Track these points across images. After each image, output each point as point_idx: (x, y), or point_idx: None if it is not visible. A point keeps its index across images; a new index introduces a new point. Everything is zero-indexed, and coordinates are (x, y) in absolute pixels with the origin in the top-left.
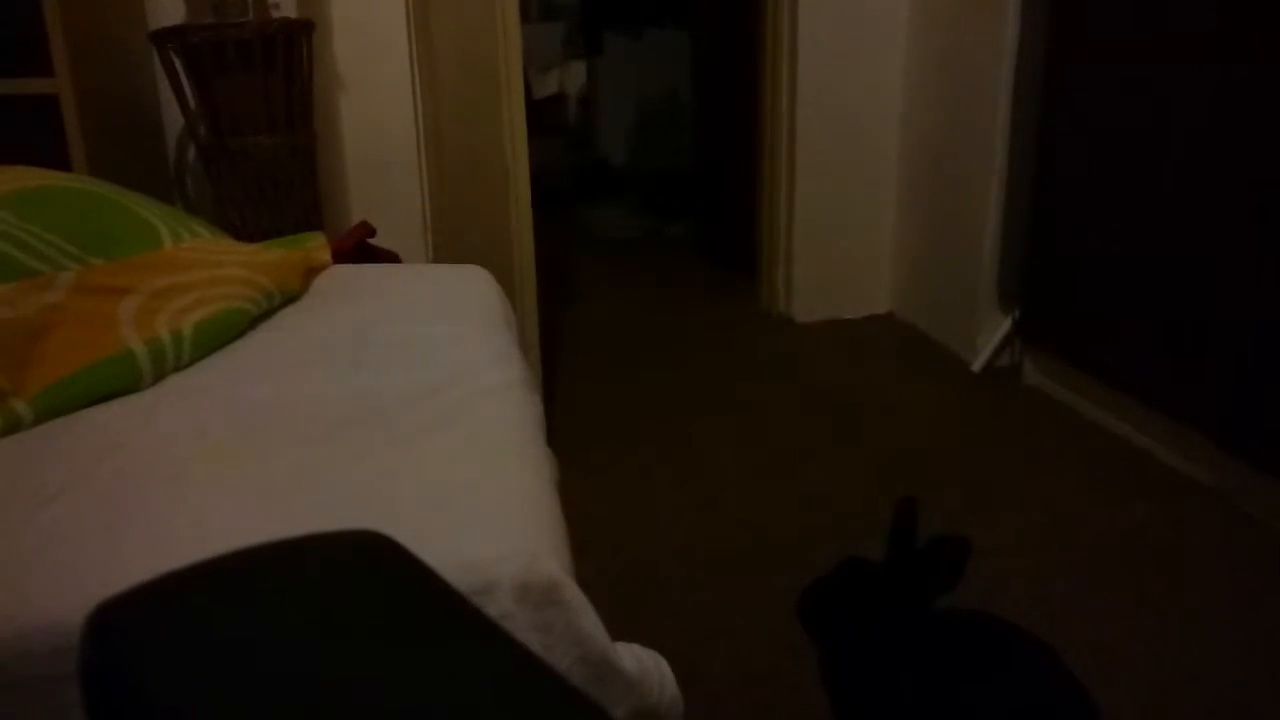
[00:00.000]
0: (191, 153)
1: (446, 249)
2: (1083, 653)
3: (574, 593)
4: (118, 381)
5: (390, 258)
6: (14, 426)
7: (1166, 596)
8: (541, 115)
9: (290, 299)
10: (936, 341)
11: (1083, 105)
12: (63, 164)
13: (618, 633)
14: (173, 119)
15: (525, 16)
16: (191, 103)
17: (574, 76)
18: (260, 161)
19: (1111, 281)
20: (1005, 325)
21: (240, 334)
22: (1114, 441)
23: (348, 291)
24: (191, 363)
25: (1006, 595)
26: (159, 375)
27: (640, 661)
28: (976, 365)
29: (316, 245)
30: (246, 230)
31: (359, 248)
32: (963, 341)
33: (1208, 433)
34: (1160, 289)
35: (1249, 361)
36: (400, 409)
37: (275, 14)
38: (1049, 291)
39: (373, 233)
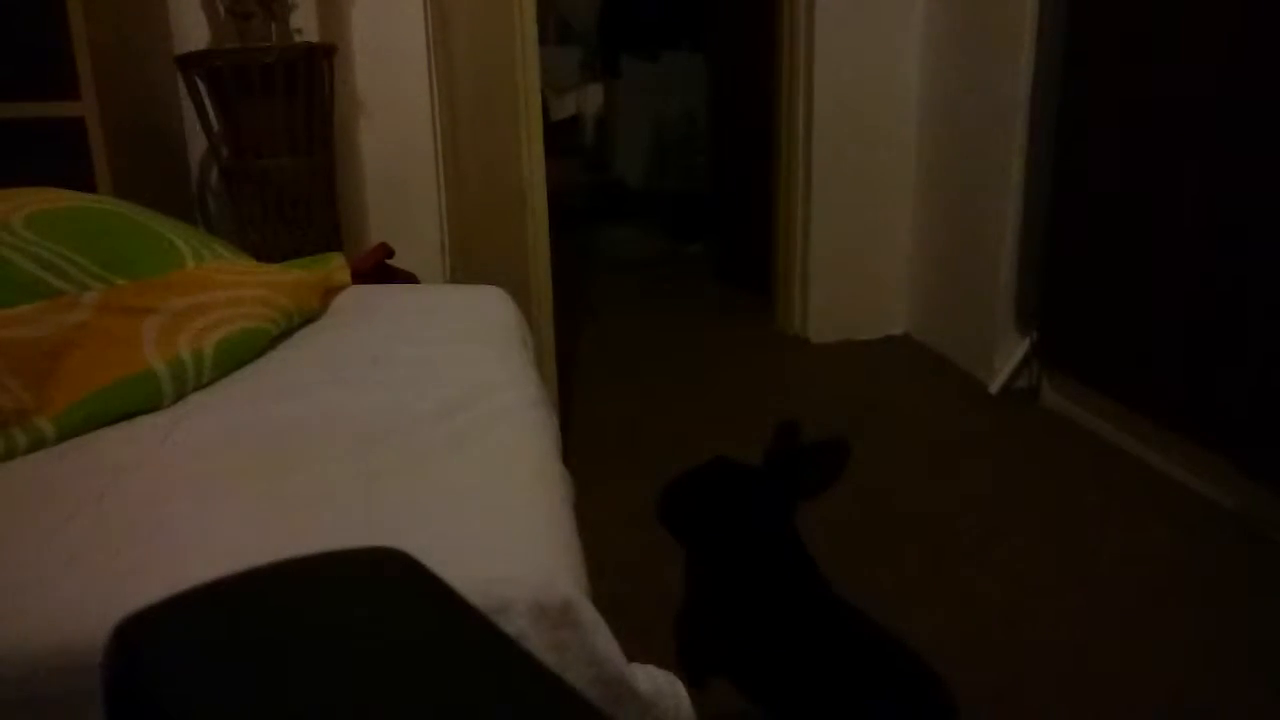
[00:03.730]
0: (214, 174)
1: (464, 269)
2: (1102, 678)
3: (589, 613)
4: (140, 400)
5: (408, 278)
6: (38, 444)
7: (1187, 621)
8: (559, 137)
9: (309, 319)
10: (953, 363)
11: (1100, 125)
12: (88, 185)
13: (633, 653)
14: (196, 141)
15: (543, 39)
16: (214, 125)
17: (591, 98)
18: (281, 183)
19: (1130, 302)
20: (1023, 346)
21: (260, 353)
22: (1133, 464)
23: (366, 311)
24: (212, 382)
25: (1024, 619)
26: (180, 394)
27: (655, 682)
28: (994, 387)
29: (336, 266)
30: (267, 250)
31: (378, 268)
32: (980, 363)
33: (1229, 456)
34: (1180, 310)
35: (1271, 384)
36: (417, 429)
37: (298, 38)
38: (1067, 312)
39: (391, 253)
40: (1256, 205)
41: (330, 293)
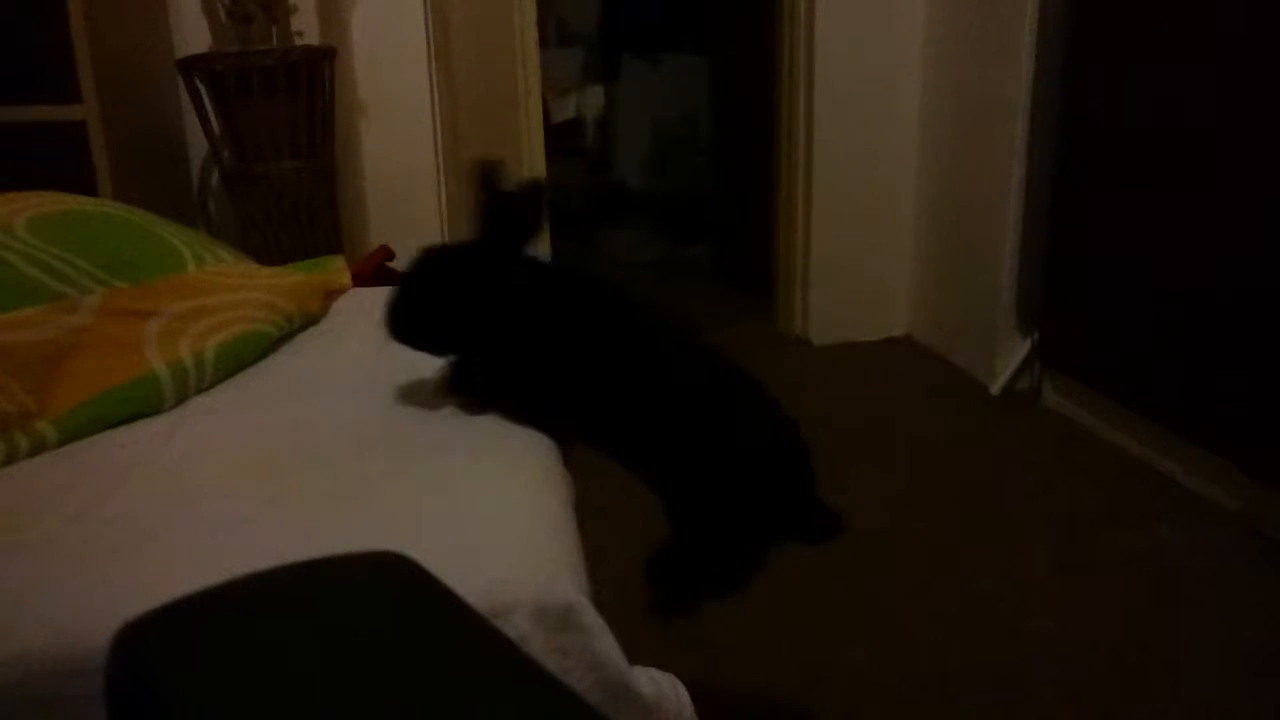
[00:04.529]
0: (215, 177)
1: None
2: (1107, 678)
3: (591, 616)
4: (141, 403)
5: None
6: (39, 447)
7: (1190, 621)
8: (560, 138)
9: (310, 322)
10: (954, 364)
11: (1101, 125)
12: (89, 189)
13: (635, 656)
14: (197, 144)
15: (543, 42)
16: (216, 128)
17: (592, 100)
18: (282, 186)
19: (1132, 302)
20: (1024, 348)
21: (261, 356)
22: (1136, 465)
23: (367, 314)
24: (213, 384)
25: (1029, 621)
26: (181, 397)
27: (658, 685)
28: (995, 388)
29: (337, 268)
30: (268, 253)
31: (379, 271)
32: (981, 364)
33: (1230, 457)
34: (1181, 311)
35: (1272, 384)
36: (418, 431)
37: (299, 41)
38: (1068, 313)
39: (392, 256)
40: (1258, 206)
41: (331, 296)
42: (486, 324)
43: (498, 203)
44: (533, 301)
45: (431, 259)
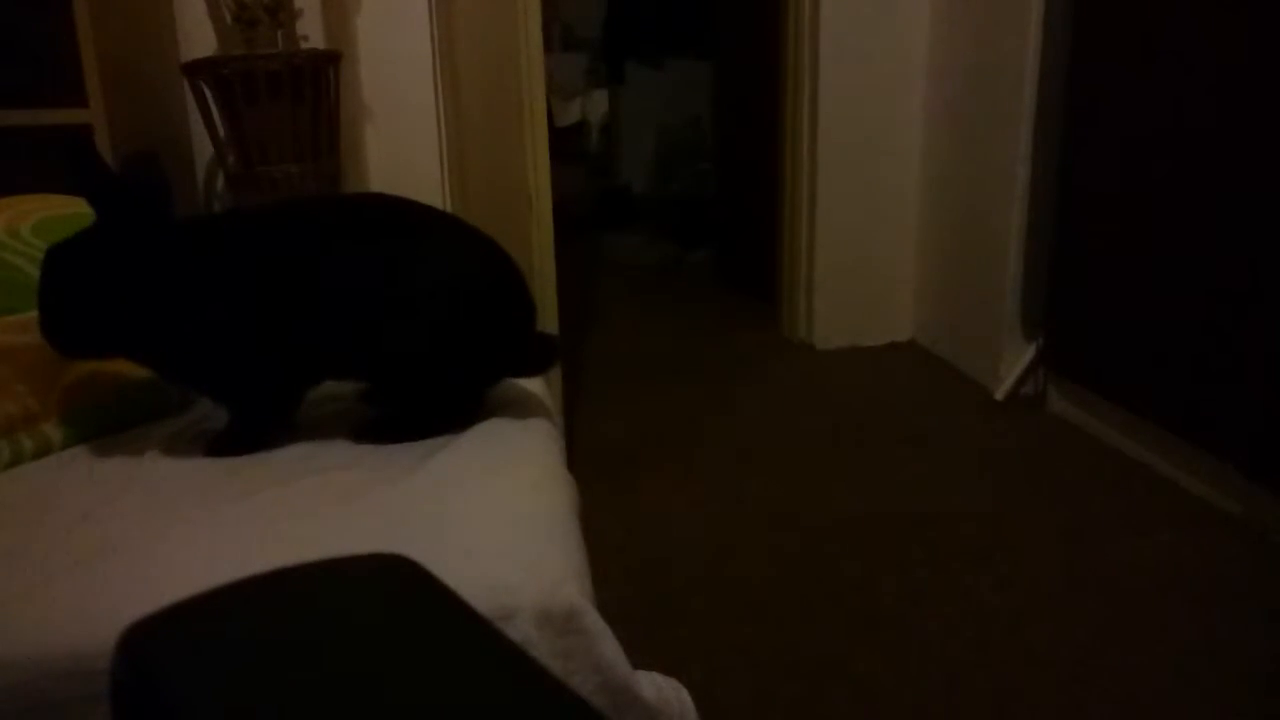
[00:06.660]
0: (220, 181)
1: None
2: (1109, 684)
3: (595, 619)
4: (146, 405)
5: None
6: (45, 450)
7: (1194, 627)
8: (564, 143)
9: None
10: (959, 369)
11: (1106, 130)
12: None
13: (638, 660)
14: (202, 148)
15: (548, 46)
16: (221, 132)
17: (596, 105)
18: (287, 189)
19: (1137, 308)
20: (1029, 353)
21: None
22: (1140, 470)
23: None
24: None
25: (1028, 625)
26: (186, 401)
27: (660, 690)
28: (1000, 393)
29: None
30: None
31: None
32: (985, 369)
33: (1236, 462)
34: (1187, 315)
35: (1278, 389)
36: None
37: (304, 45)
38: (1073, 318)
39: None
40: (1263, 210)
41: None
42: (142, 303)
43: (108, 178)
44: (183, 261)
45: (59, 259)
